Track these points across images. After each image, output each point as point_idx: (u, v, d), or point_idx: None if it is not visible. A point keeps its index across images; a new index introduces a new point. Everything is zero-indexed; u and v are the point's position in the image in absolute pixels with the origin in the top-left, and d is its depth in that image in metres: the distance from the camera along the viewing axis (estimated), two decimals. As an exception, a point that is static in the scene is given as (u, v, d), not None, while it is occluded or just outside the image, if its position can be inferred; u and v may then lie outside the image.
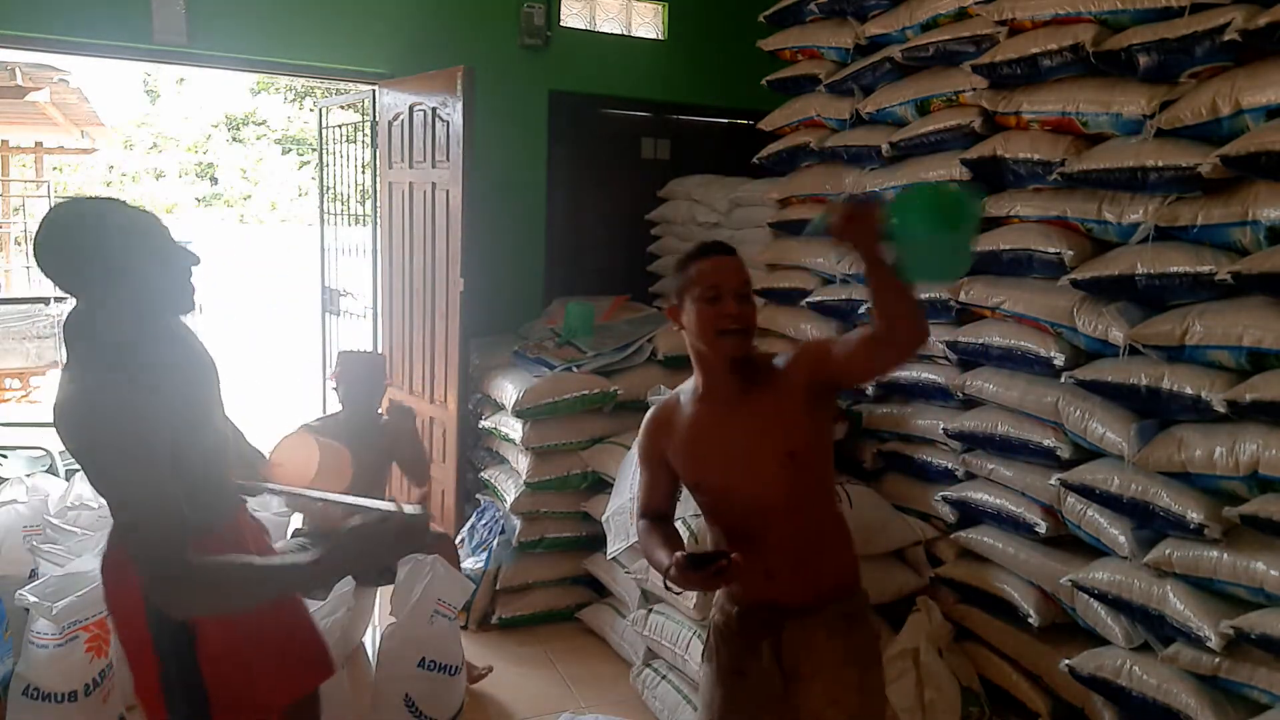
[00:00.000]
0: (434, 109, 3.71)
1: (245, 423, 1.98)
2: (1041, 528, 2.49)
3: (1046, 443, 2.47)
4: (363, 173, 4.61)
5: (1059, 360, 2.43)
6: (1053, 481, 2.42)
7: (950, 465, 2.84)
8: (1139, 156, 2.23)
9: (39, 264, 1.47)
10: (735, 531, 1.75)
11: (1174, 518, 2.12)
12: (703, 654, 1.89)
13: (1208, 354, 2.11)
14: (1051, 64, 2.44)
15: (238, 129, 23.69)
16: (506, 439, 3.64)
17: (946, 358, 2.81)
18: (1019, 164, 2.53)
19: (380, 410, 3.13)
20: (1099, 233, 2.43)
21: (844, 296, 3.13)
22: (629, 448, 3.21)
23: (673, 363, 3.66)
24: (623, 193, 4.66)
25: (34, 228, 1.49)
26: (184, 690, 1.56)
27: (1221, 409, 2.04)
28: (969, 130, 2.69)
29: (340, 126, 4.78)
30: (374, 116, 4.29)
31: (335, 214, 4.94)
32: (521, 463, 3.51)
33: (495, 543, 3.59)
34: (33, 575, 2.65)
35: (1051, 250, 2.45)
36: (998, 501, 2.62)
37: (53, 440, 3.55)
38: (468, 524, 3.83)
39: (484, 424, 3.83)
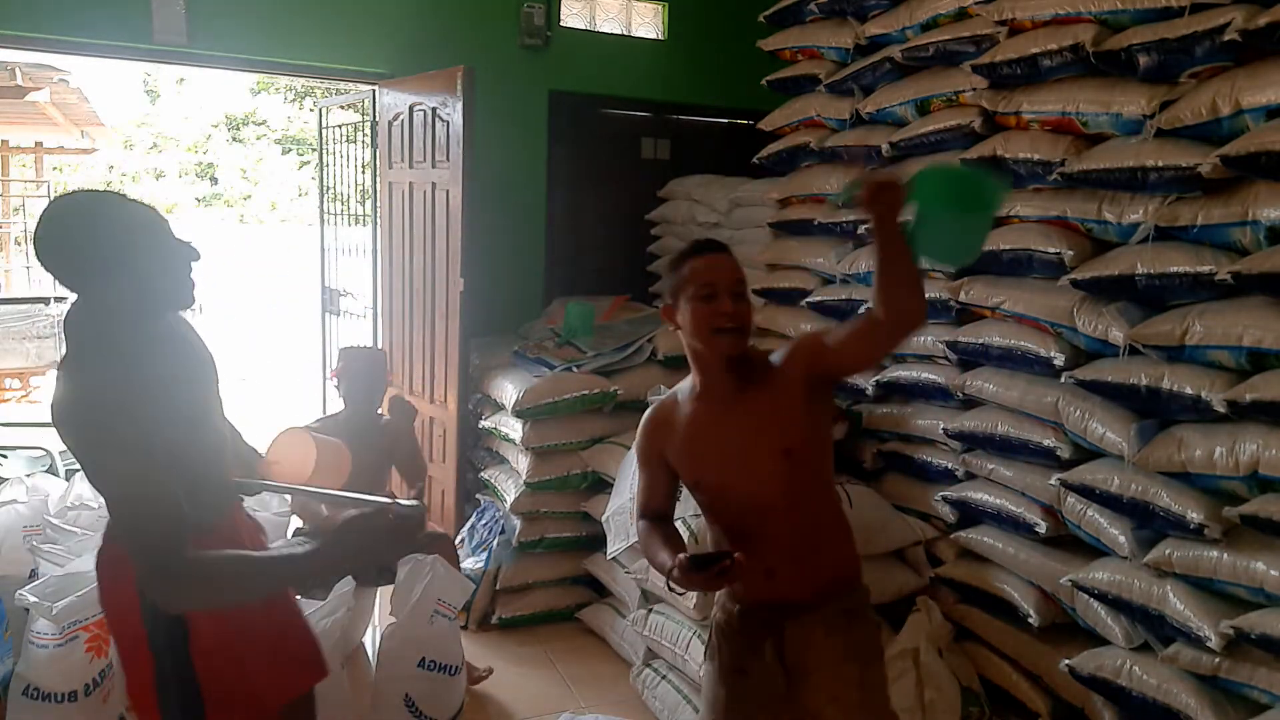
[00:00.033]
0: (434, 109, 3.71)
1: (244, 423, 1.98)
2: (1041, 528, 2.49)
3: (1046, 443, 2.47)
4: (363, 173, 4.61)
5: (1059, 360, 2.43)
6: (1053, 481, 2.42)
7: (950, 465, 2.84)
8: (1139, 156, 2.23)
9: (39, 258, 1.47)
10: (734, 530, 1.75)
11: (1174, 518, 2.12)
12: (705, 653, 1.90)
13: (1208, 354, 2.11)
14: (1051, 64, 2.44)
15: (238, 129, 23.68)
16: (506, 439, 3.64)
17: (946, 358, 2.81)
18: (1019, 164, 2.53)
19: (380, 410, 3.13)
20: (1099, 233, 2.43)
21: (844, 296, 3.13)
22: (629, 448, 3.21)
23: (673, 363, 3.66)
24: (623, 193, 4.66)
25: (33, 229, 1.49)
26: (178, 687, 1.55)
27: (1221, 409, 2.04)
28: (969, 130, 2.69)
29: (340, 126, 4.78)
30: (374, 116, 4.30)
31: (335, 214, 4.94)
32: (521, 463, 3.51)
33: (495, 543, 3.59)
34: (33, 575, 2.65)
35: (1051, 250, 2.45)
36: (998, 501, 2.62)
37: (53, 440, 3.55)
38: (468, 524, 3.83)
39: (484, 424, 3.83)
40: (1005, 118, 2.61)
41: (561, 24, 4.43)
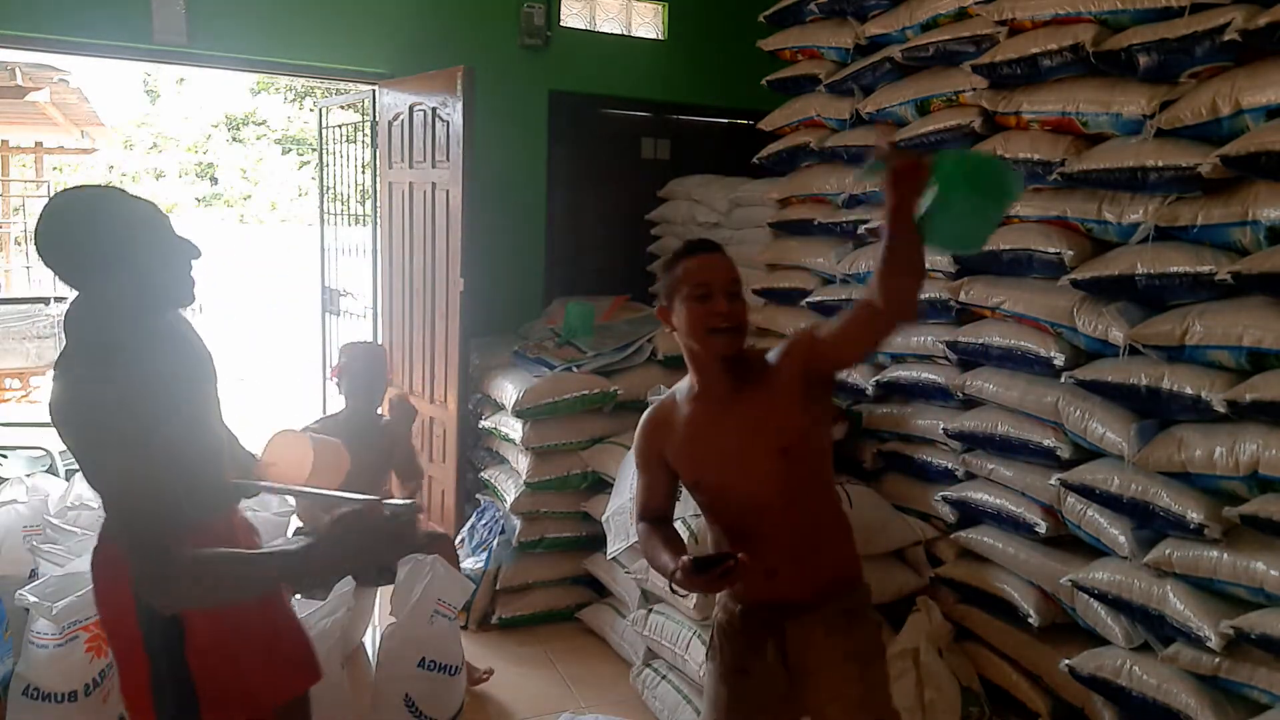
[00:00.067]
0: (434, 109, 3.71)
1: (243, 424, 1.97)
2: (1041, 528, 2.49)
3: (1046, 443, 2.47)
4: (363, 173, 4.61)
5: (1059, 360, 2.43)
6: (1053, 481, 2.42)
7: (950, 465, 2.84)
8: (1139, 156, 2.23)
9: (39, 253, 1.47)
10: (735, 529, 1.75)
11: (1174, 518, 2.12)
12: (706, 653, 1.90)
13: (1208, 354, 2.11)
14: (1051, 64, 2.44)
15: (238, 129, 23.67)
16: (506, 439, 3.64)
17: (946, 358, 2.81)
18: (1019, 164, 2.52)
19: (381, 410, 3.13)
20: (1099, 233, 2.43)
21: (844, 296, 3.13)
22: (629, 448, 3.21)
23: (673, 363, 3.66)
24: (623, 193, 4.65)
25: (34, 228, 1.49)
26: (174, 688, 1.55)
27: (1221, 409, 2.04)
28: (969, 130, 2.69)
29: (340, 126, 4.78)
30: (374, 116, 4.30)
31: (335, 214, 4.94)
32: (521, 463, 3.51)
33: (495, 543, 3.59)
34: (33, 575, 2.65)
35: (1051, 250, 2.45)
36: (998, 501, 2.62)
37: (53, 440, 3.56)
38: (468, 524, 3.83)
39: (484, 424, 3.83)
40: (1005, 118, 2.61)
41: (561, 24, 4.43)
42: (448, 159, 3.66)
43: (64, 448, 1.47)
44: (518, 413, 3.45)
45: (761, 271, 3.57)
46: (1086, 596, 2.36)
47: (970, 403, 2.74)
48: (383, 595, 2.91)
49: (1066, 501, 2.44)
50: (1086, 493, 2.33)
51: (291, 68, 4.10)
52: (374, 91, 4.21)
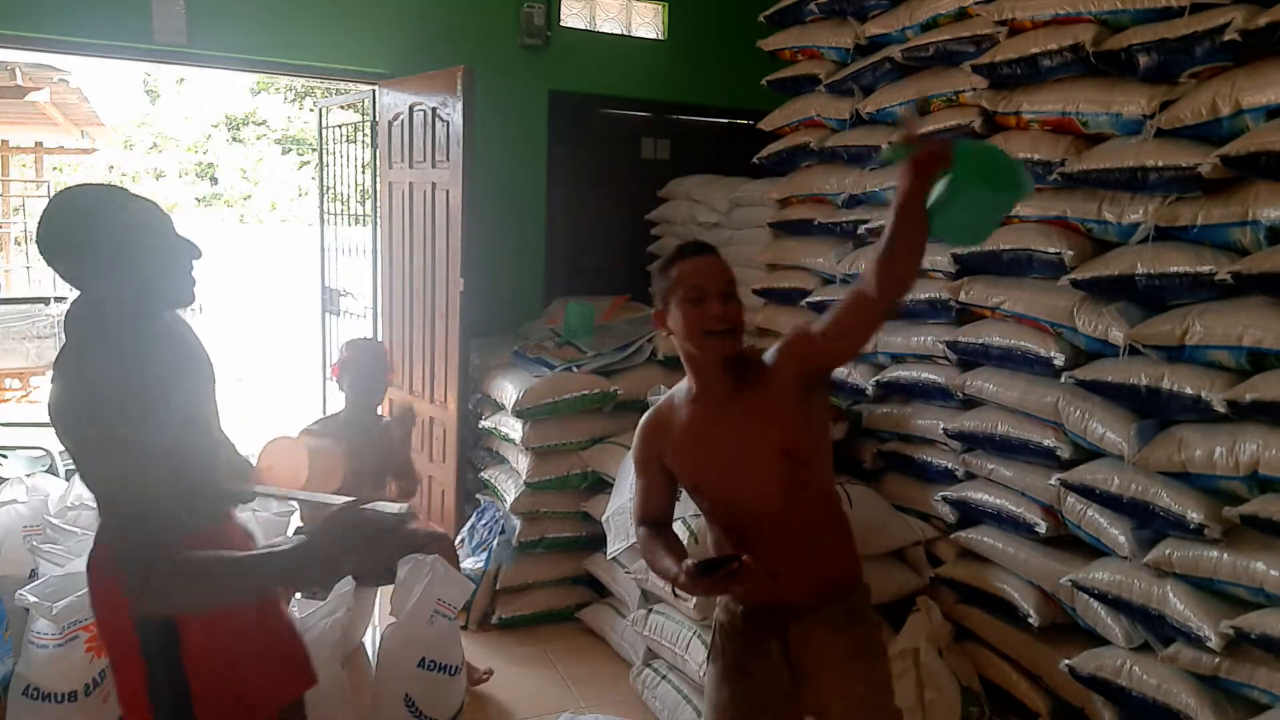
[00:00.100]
0: (434, 109, 3.71)
1: (243, 424, 1.97)
2: (1041, 528, 2.49)
3: (1046, 443, 2.47)
4: (363, 173, 4.61)
5: (1059, 360, 2.43)
6: (1053, 481, 2.42)
7: (950, 465, 2.84)
8: (1139, 156, 2.23)
9: (41, 251, 1.47)
10: (735, 531, 1.75)
11: (1174, 518, 2.12)
12: (708, 654, 1.90)
13: (1208, 354, 2.11)
14: (1051, 64, 2.44)
15: (238, 129, 23.67)
16: (506, 439, 3.64)
17: (946, 358, 2.81)
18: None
19: (381, 410, 3.13)
20: (1099, 233, 2.43)
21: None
22: (629, 447, 3.21)
23: (672, 363, 3.65)
24: (623, 193, 4.65)
25: (34, 228, 1.49)
26: (170, 692, 1.54)
27: (1221, 409, 2.04)
28: (969, 130, 2.69)
29: (340, 126, 4.78)
30: (374, 116, 4.29)
31: (335, 214, 4.94)
32: (521, 463, 3.51)
33: (495, 543, 3.59)
34: (33, 575, 2.65)
35: (1051, 250, 2.45)
36: (998, 501, 2.62)
37: (53, 440, 3.55)
38: (468, 524, 3.83)
39: (484, 424, 3.83)
40: (1005, 118, 2.61)
41: (561, 24, 4.43)
42: (448, 159, 3.66)
43: (63, 448, 1.46)
44: (518, 413, 3.45)
45: (761, 271, 3.57)
46: (1086, 596, 2.37)
47: (970, 403, 2.74)
48: (383, 595, 2.91)
49: (1066, 501, 2.44)
50: (1086, 493, 2.33)
51: (291, 68, 4.10)
52: (374, 91, 4.21)
